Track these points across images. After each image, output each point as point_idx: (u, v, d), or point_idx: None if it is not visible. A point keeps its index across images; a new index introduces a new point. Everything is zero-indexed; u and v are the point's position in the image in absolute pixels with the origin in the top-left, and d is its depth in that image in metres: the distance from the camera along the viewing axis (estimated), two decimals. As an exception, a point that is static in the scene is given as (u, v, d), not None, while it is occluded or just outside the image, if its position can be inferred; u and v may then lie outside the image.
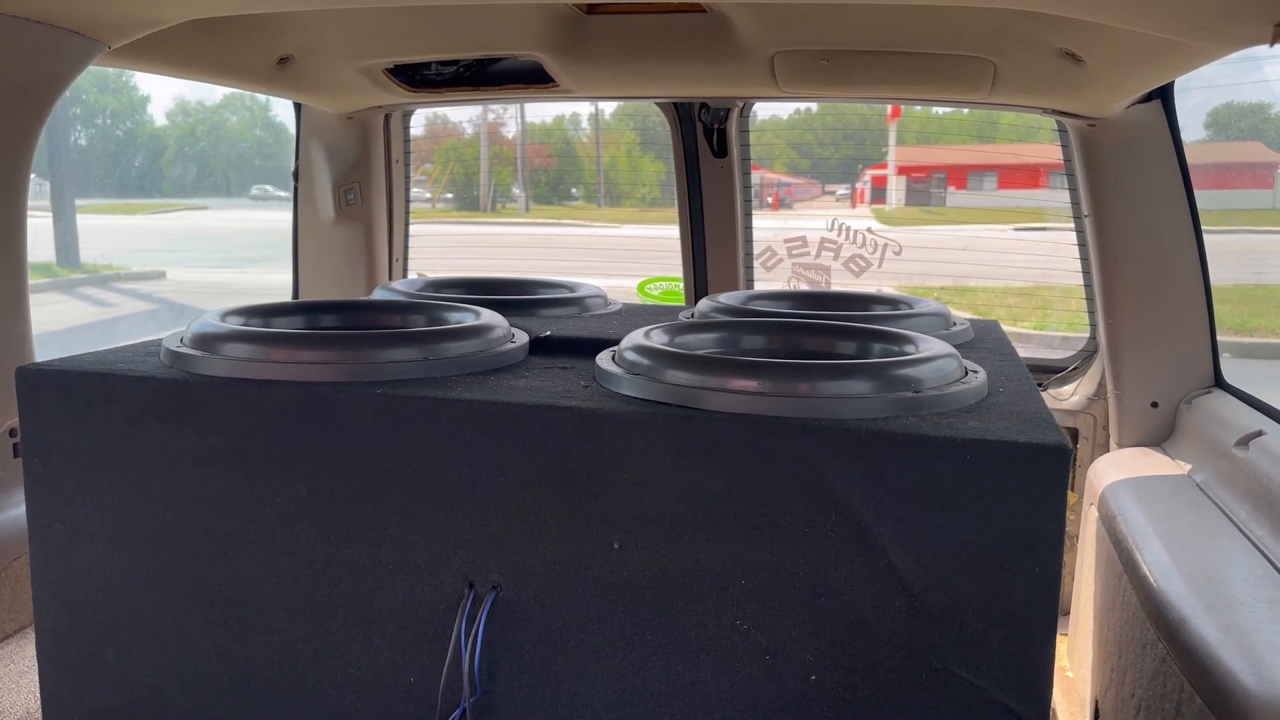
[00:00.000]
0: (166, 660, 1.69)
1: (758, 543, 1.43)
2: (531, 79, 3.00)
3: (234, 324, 1.79)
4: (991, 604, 1.37)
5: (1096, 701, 2.44)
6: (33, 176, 2.27)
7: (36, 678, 1.77)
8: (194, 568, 1.65)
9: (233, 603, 1.64)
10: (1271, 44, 1.63)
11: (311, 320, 2.01)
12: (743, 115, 3.44)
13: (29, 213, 2.29)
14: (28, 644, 2.15)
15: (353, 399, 1.56)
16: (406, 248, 3.86)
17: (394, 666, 1.58)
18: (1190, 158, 2.79)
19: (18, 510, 2.24)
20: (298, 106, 3.56)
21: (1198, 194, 2.81)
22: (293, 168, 3.65)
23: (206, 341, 1.70)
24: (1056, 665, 1.43)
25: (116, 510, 1.67)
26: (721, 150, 3.41)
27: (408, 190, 3.83)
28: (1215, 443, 2.54)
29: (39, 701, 1.79)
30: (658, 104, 3.44)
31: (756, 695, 1.45)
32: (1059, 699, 2.66)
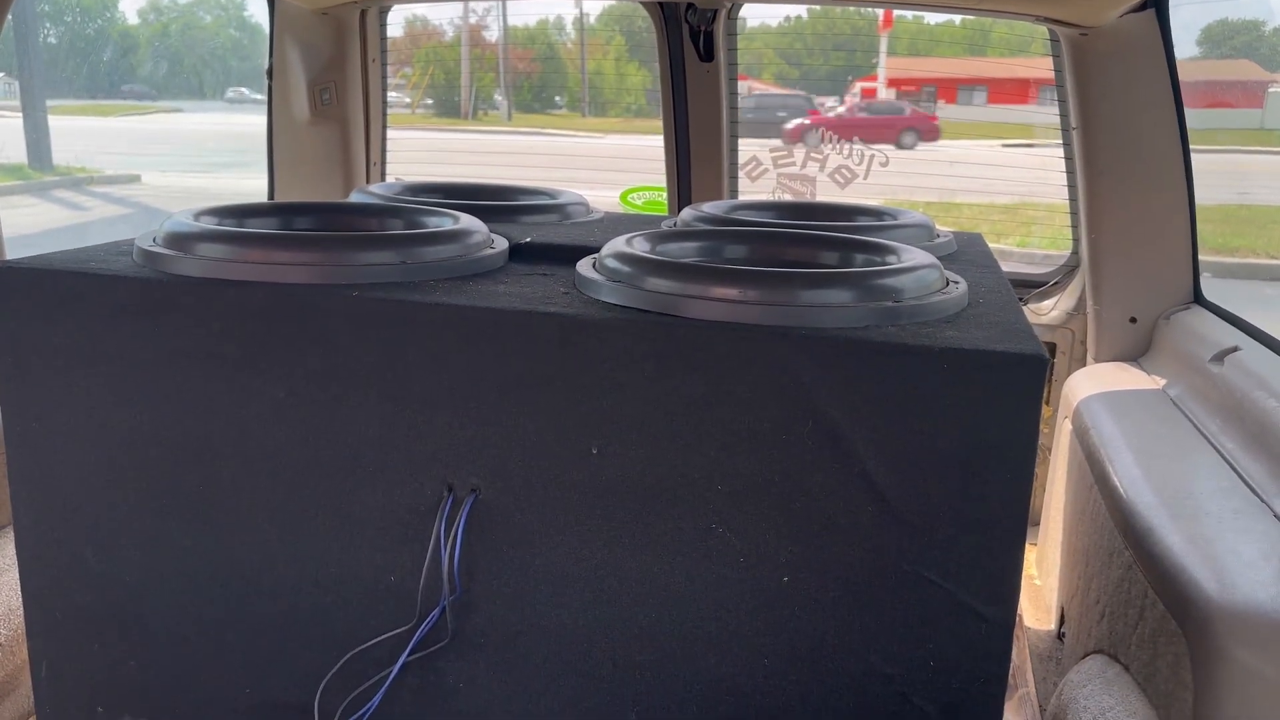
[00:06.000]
0: (145, 559, 1.70)
1: (735, 449, 1.44)
2: (513, -25, 2.91)
3: (207, 223, 1.76)
4: (963, 510, 1.39)
5: (1062, 608, 2.50)
6: (1, 75, 2.19)
7: (16, 576, 1.79)
8: (171, 468, 1.65)
9: (211, 503, 1.65)
10: None
11: (286, 222, 1.97)
12: (730, 18, 3.35)
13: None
14: (6, 543, 2.16)
15: (329, 301, 1.54)
16: (384, 151, 3.78)
17: (374, 566, 1.60)
18: (1180, 75, 2.75)
19: (-8, 411, 2.23)
20: (271, 1, 3.45)
21: (1187, 113, 2.78)
22: (267, 65, 3.55)
23: (179, 241, 1.67)
24: (1025, 574, 1.47)
25: (92, 410, 1.66)
26: (708, 54, 3.33)
27: (384, 92, 3.74)
28: (1191, 358, 2.56)
29: (20, 599, 1.81)
30: (643, 3, 3.35)
31: (730, 595, 1.48)
32: (1026, 606, 2.73)
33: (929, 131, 12.39)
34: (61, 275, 1.63)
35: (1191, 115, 2.80)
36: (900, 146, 12.24)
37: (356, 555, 1.61)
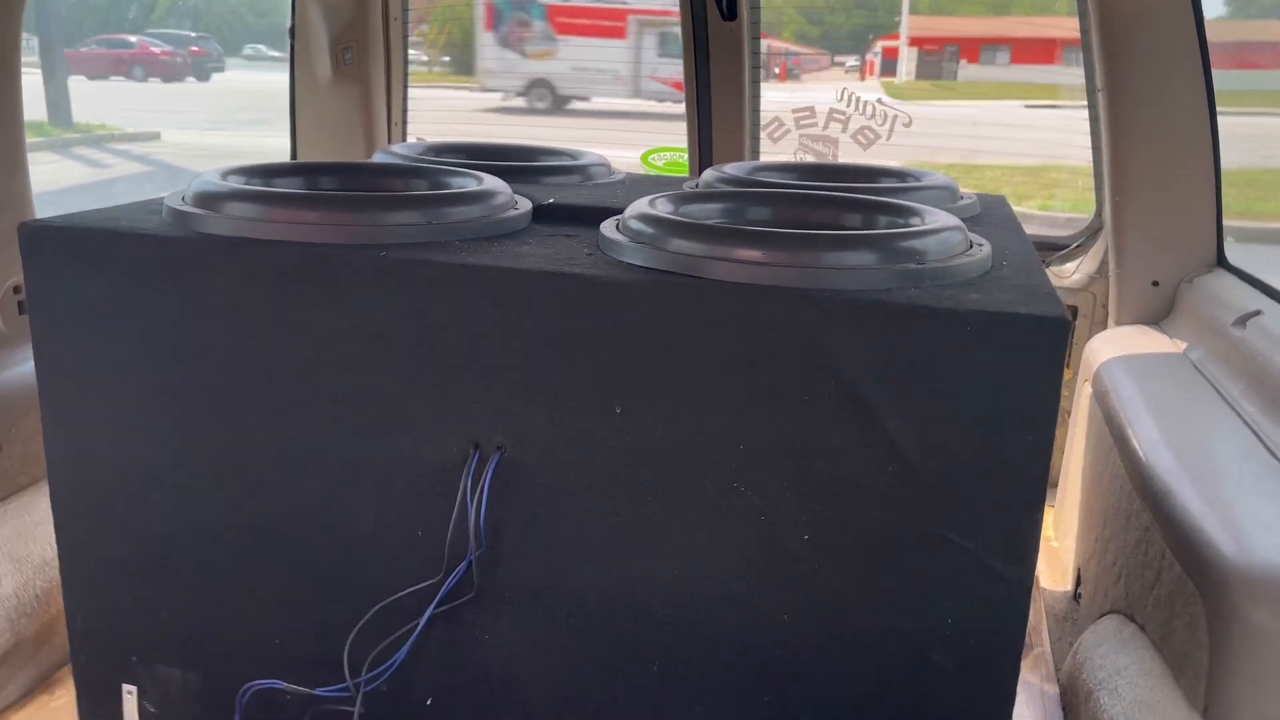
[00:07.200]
0: (177, 513, 1.74)
1: (757, 409, 1.46)
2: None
3: (236, 183, 1.77)
4: (984, 471, 1.40)
5: (1079, 569, 2.52)
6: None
7: (51, 529, 1.83)
8: (202, 424, 1.68)
9: (241, 459, 1.68)
10: None
11: (312, 181, 1.99)
12: (753, -24, 3.32)
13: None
14: (41, 496, 2.21)
15: (356, 261, 1.56)
16: (405, 110, 3.78)
17: (402, 521, 1.63)
18: (1208, 35, 2.71)
19: (24, 367, 2.27)
20: (292, -41, 3.44)
21: (1214, 74, 2.74)
22: (289, 24, 3.55)
23: (209, 200, 1.69)
24: (1042, 534, 1.48)
25: (124, 367, 1.69)
26: (731, 12, 3.30)
27: (406, 51, 3.73)
28: (1213, 321, 2.55)
29: (55, 551, 1.85)
30: (665, -37, 3.32)
31: (751, 553, 1.51)
32: (1043, 567, 2.75)
33: (162, 67, 14.71)
34: (94, 234, 1.65)
35: (1219, 76, 2.76)
36: (131, 78, 14.58)
37: (385, 510, 1.64)
